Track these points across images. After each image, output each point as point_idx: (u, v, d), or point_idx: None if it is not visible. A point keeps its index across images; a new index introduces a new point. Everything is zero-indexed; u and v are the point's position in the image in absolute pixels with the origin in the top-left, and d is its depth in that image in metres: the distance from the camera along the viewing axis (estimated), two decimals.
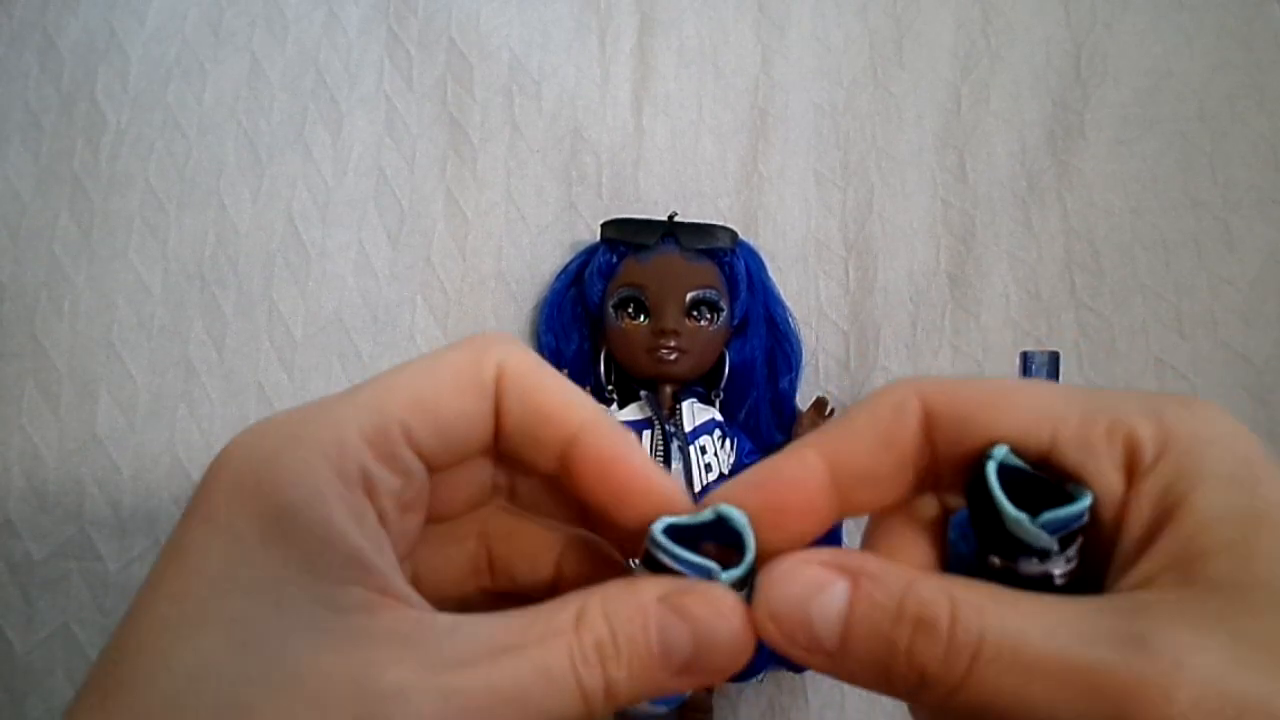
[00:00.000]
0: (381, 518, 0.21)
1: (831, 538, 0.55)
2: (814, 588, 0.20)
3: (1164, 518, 0.19)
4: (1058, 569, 0.20)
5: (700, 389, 0.58)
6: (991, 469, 0.20)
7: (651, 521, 0.21)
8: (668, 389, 0.57)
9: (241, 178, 0.65)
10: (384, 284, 0.63)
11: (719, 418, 0.57)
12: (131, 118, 0.66)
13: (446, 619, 0.20)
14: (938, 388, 0.21)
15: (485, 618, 0.20)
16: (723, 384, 0.58)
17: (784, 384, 0.60)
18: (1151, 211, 0.63)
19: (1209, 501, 0.18)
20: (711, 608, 0.20)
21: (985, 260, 0.63)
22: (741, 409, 0.59)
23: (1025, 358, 0.46)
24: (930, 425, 0.21)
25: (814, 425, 0.54)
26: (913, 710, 0.24)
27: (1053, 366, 0.46)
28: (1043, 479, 0.20)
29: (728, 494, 0.22)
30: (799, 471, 0.22)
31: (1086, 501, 0.19)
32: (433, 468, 0.22)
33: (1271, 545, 0.18)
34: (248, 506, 0.20)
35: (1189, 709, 0.16)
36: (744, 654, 0.20)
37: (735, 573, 0.21)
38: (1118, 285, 0.62)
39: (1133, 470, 0.19)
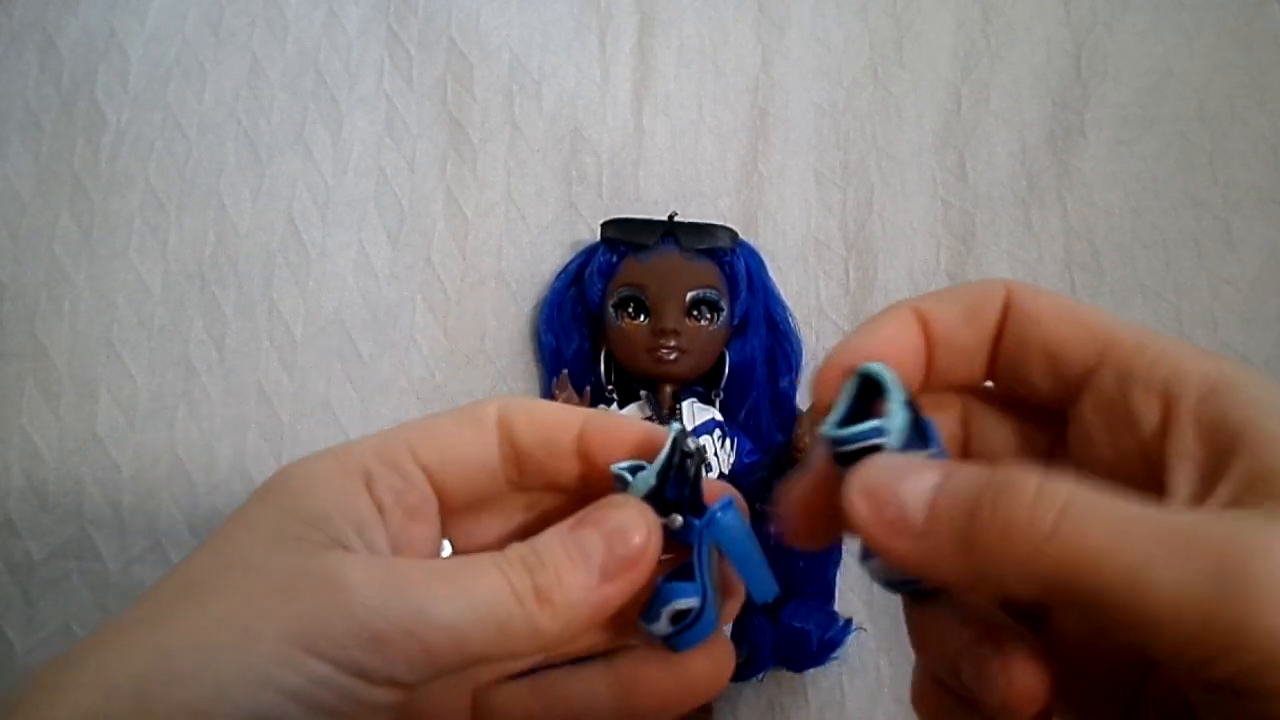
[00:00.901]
0: (379, 507, 0.23)
1: (832, 556, 0.55)
2: (907, 470, 0.20)
3: (1225, 449, 0.19)
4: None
5: (700, 389, 0.58)
6: (852, 381, 0.22)
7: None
8: (668, 389, 0.57)
9: (241, 178, 0.65)
10: (384, 284, 0.63)
11: (719, 417, 0.57)
12: (131, 117, 0.66)
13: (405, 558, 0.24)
14: (1025, 290, 0.23)
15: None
16: (723, 384, 0.58)
17: (784, 384, 0.60)
18: (1151, 211, 0.63)
19: (1268, 430, 0.19)
20: (609, 508, 0.23)
21: (985, 260, 0.63)
22: (742, 409, 0.59)
23: None
24: (1007, 314, 0.23)
25: (814, 425, 0.54)
26: (918, 680, 0.25)
27: None
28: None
29: (838, 354, 0.23)
30: (899, 330, 0.23)
31: (861, 429, 0.21)
32: (447, 488, 0.25)
33: None
34: (265, 502, 0.23)
35: None
36: (649, 536, 0.23)
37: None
38: (1118, 285, 0.62)
39: (1170, 403, 0.20)
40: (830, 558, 0.55)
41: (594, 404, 0.56)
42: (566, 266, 0.62)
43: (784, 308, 0.61)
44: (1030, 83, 0.67)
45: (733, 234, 0.60)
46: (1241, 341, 0.60)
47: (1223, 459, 0.19)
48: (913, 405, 0.22)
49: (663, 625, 0.24)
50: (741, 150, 0.66)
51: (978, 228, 0.64)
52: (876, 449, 0.21)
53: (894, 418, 0.21)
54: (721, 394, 0.58)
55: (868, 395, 0.22)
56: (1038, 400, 0.24)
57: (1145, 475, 0.21)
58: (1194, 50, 0.67)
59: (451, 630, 0.21)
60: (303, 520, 0.22)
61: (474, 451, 0.25)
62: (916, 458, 0.21)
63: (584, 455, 0.26)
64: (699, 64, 0.68)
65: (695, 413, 0.57)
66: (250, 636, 0.20)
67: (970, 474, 0.20)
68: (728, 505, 0.25)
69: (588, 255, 0.61)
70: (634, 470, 0.24)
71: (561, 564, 0.22)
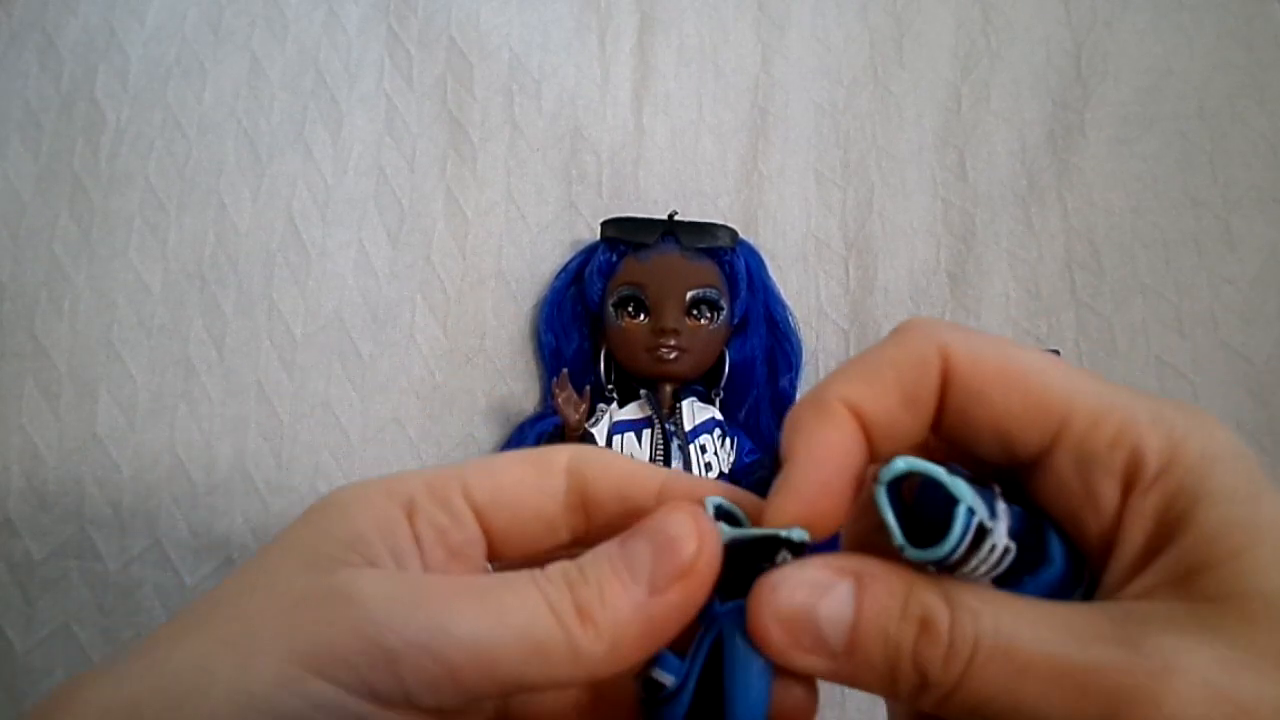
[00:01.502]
0: (418, 540, 0.22)
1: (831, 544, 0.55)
2: (820, 589, 0.20)
3: (1167, 533, 0.19)
4: (980, 572, 0.19)
5: (700, 388, 0.58)
6: (881, 494, 0.20)
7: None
8: (668, 388, 0.57)
9: (241, 177, 0.65)
10: (384, 283, 0.63)
11: (719, 417, 0.57)
12: (131, 117, 0.66)
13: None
14: (961, 348, 0.21)
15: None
16: (723, 383, 0.58)
17: (784, 383, 0.60)
18: (1151, 211, 0.63)
19: (1211, 517, 0.18)
20: (661, 513, 0.21)
21: (985, 259, 0.63)
22: (741, 408, 0.59)
23: None
24: (946, 387, 0.21)
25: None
26: (891, 710, 0.24)
27: None
28: (939, 484, 0.20)
29: (791, 489, 0.21)
30: (839, 436, 0.21)
31: (951, 541, 0.19)
32: (498, 532, 0.23)
33: (1270, 558, 0.18)
34: (306, 524, 0.22)
35: (1178, 709, 0.16)
36: (703, 542, 0.20)
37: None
38: (1118, 285, 0.62)
39: (1132, 482, 0.19)
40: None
41: (594, 403, 0.56)
42: (566, 266, 0.62)
43: (784, 307, 0.61)
44: (1030, 82, 0.67)
45: (733, 233, 0.60)
46: (1241, 341, 0.60)
47: (1163, 541, 0.19)
48: (976, 482, 0.20)
49: (639, 687, 0.22)
50: (741, 150, 0.66)
51: (978, 227, 0.64)
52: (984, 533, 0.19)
53: (999, 519, 0.19)
54: (721, 393, 0.58)
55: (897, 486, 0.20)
56: (982, 467, 0.22)
57: (1101, 554, 0.20)
58: (1194, 50, 0.67)
59: (477, 649, 0.19)
60: (338, 541, 0.21)
61: (534, 497, 0.23)
62: (828, 567, 0.20)
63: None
64: (699, 64, 0.68)
65: (695, 412, 0.57)
66: (252, 657, 0.19)
67: (889, 600, 0.19)
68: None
69: (588, 254, 0.61)
70: (727, 516, 0.22)
71: (606, 578, 0.20)
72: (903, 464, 0.20)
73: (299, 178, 0.65)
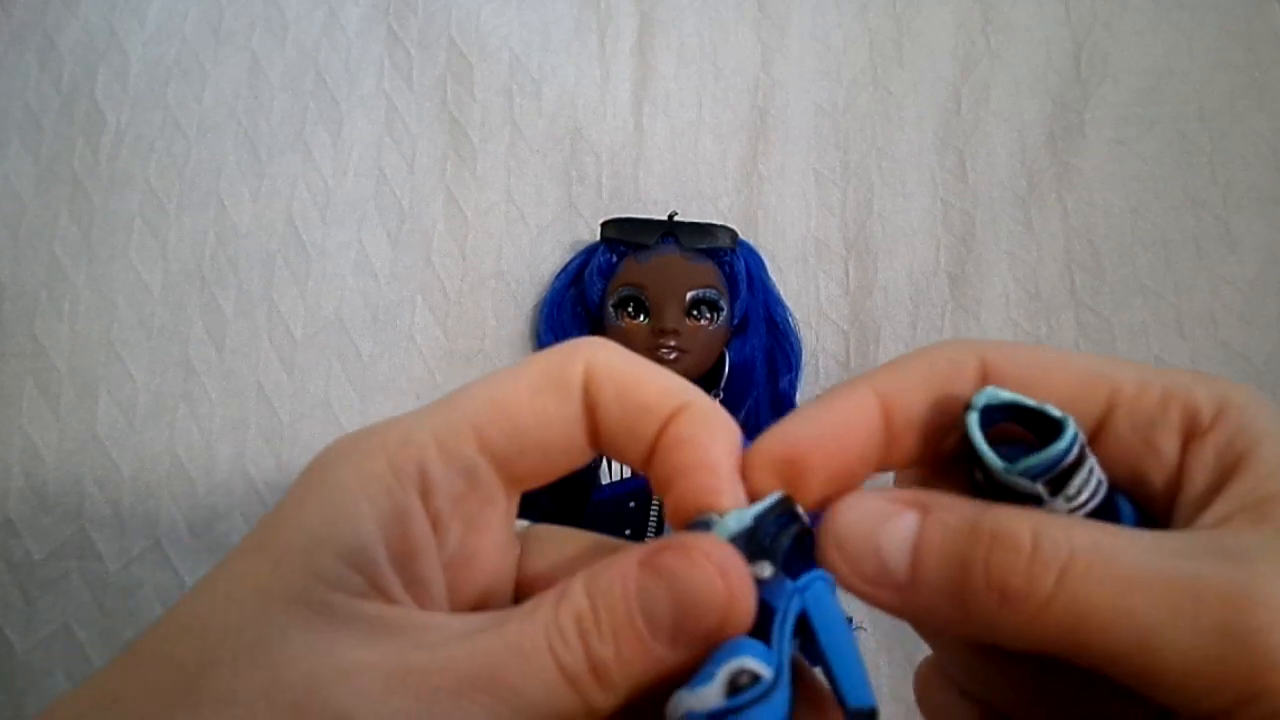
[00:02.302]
0: (435, 518, 0.20)
1: None
2: (882, 515, 0.19)
3: (1229, 470, 0.19)
4: (1062, 511, 0.19)
5: (700, 388, 0.58)
6: (974, 419, 0.19)
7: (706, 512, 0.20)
8: None
9: (241, 178, 0.65)
10: (384, 284, 0.63)
11: None
12: (131, 118, 0.66)
13: (439, 615, 0.19)
14: (998, 352, 0.21)
15: (480, 614, 0.19)
16: (723, 384, 0.58)
17: (784, 384, 0.60)
18: (1151, 211, 0.63)
19: (1267, 456, 0.18)
20: (685, 557, 0.18)
21: (985, 260, 0.63)
22: (741, 409, 0.59)
23: None
24: (987, 383, 0.21)
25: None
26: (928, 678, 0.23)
27: None
28: (1037, 411, 0.20)
29: (786, 428, 0.20)
30: (854, 415, 0.20)
31: (1065, 441, 0.19)
32: (517, 475, 0.21)
33: None
34: (290, 524, 0.19)
35: None
36: (733, 604, 0.18)
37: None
38: (1118, 285, 0.62)
39: (1190, 434, 0.20)
40: None
41: None
42: (566, 266, 0.62)
43: (784, 307, 0.61)
44: (1030, 83, 0.67)
45: (733, 234, 0.60)
46: (1241, 341, 0.60)
47: (1226, 477, 0.19)
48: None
49: (713, 692, 0.18)
50: (741, 150, 0.66)
51: (978, 228, 0.64)
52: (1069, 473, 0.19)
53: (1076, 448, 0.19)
54: (721, 394, 0.58)
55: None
56: None
57: (1168, 503, 0.20)
58: (1194, 50, 0.67)
59: None
60: (332, 555, 0.18)
61: (556, 433, 0.20)
62: (894, 495, 0.19)
63: (658, 449, 0.21)
64: (699, 64, 0.68)
65: None
66: None
67: (956, 519, 0.18)
68: (828, 578, 0.20)
69: (588, 255, 0.61)
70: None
71: (622, 631, 0.18)
72: (995, 393, 0.19)
73: (299, 178, 0.65)
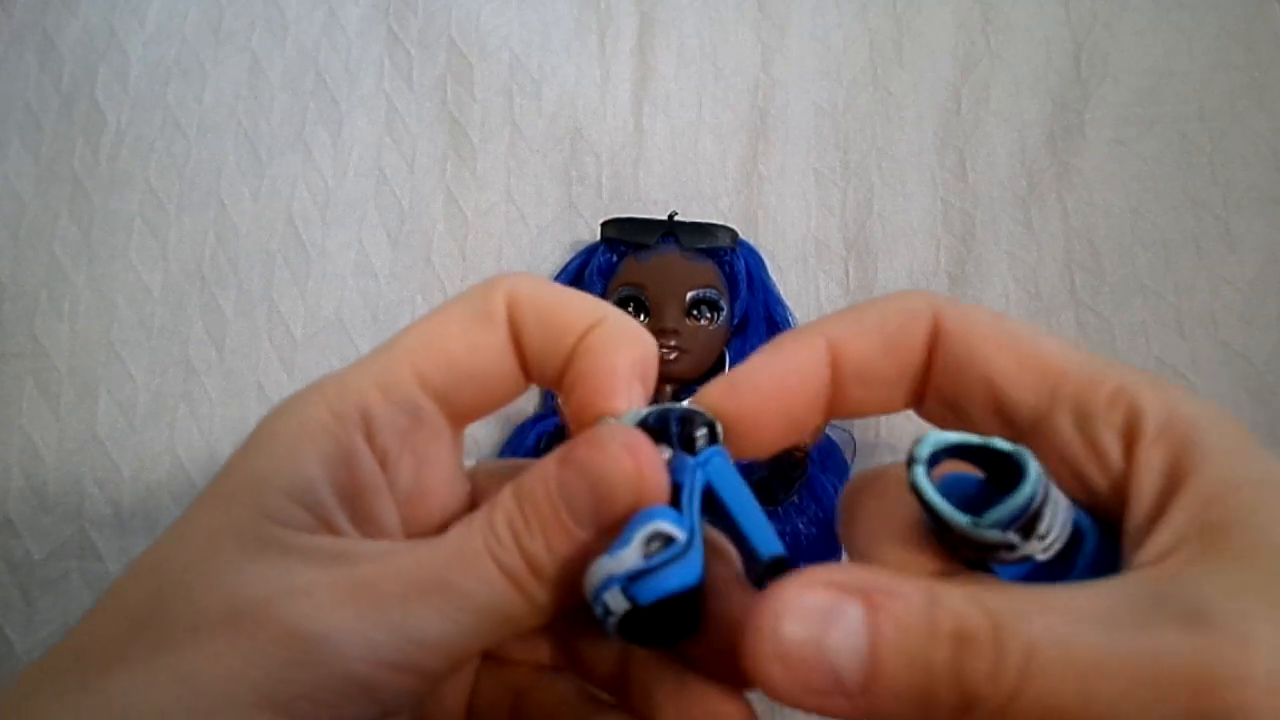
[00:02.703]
0: (383, 456, 0.21)
1: (831, 556, 0.55)
2: (824, 617, 0.17)
3: (1173, 487, 0.18)
4: (1036, 552, 0.19)
5: (700, 389, 0.58)
6: (919, 474, 0.19)
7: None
8: (668, 388, 0.57)
9: (241, 178, 0.65)
10: (384, 284, 0.63)
11: None
12: (131, 118, 0.66)
13: (385, 542, 0.20)
14: (954, 310, 0.20)
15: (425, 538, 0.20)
16: None
17: None
18: (1151, 211, 0.63)
19: (1220, 472, 0.18)
20: (594, 444, 0.19)
21: (985, 260, 0.63)
22: None
23: None
24: (936, 344, 0.20)
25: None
26: None
27: None
28: (988, 449, 0.19)
29: (735, 375, 0.21)
30: (802, 360, 0.20)
31: (1030, 485, 0.18)
32: (459, 409, 0.22)
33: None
34: (241, 470, 0.20)
35: (1267, 684, 0.15)
36: (644, 478, 0.19)
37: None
38: (1118, 285, 0.62)
39: (1133, 438, 0.19)
40: (830, 557, 0.55)
41: None
42: (566, 266, 0.62)
43: (784, 307, 0.61)
44: (1030, 83, 0.67)
45: (733, 234, 0.60)
46: (1241, 341, 0.60)
47: (1169, 497, 0.18)
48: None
49: (631, 554, 0.19)
50: (741, 150, 0.66)
51: (978, 228, 0.64)
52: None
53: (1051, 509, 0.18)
54: None
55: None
56: (975, 431, 0.21)
57: (1114, 507, 0.19)
58: (1194, 50, 0.67)
59: (449, 648, 0.19)
60: (279, 493, 0.19)
61: (490, 361, 0.21)
62: (835, 584, 0.17)
63: (570, 366, 0.21)
64: (699, 64, 0.68)
65: None
66: (217, 705, 0.17)
67: (911, 616, 0.17)
68: (723, 451, 0.21)
69: (588, 255, 0.61)
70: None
71: (549, 525, 0.19)
72: (937, 439, 0.19)
73: (299, 178, 0.65)
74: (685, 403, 0.21)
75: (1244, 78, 0.66)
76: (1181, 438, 0.18)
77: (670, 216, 0.60)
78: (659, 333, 0.56)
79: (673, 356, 0.56)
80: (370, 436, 0.20)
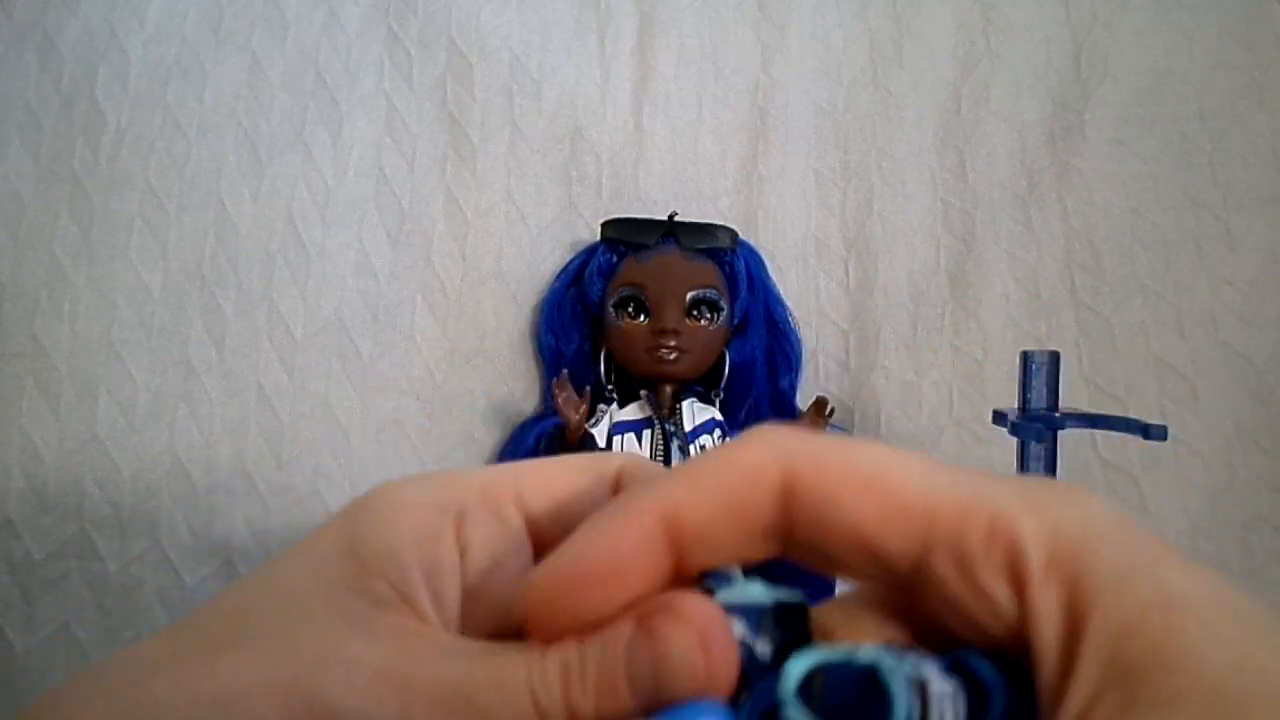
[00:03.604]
0: (463, 548, 0.21)
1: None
2: None
3: (1076, 630, 0.17)
4: None
5: (700, 388, 0.58)
6: (793, 710, 0.18)
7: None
8: (668, 388, 0.57)
9: (241, 178, 0.65)
10: (384, 284, 0.63)
11: (719, 417, 0.57)
12: (131, 118, 0.66)
13: (446, 635, 0.20)
14: (805, 456, 0.19)
15: (484, 643, 0.20)
16: (723, 383, 0.58)
17: (784, 383, 0.60)
18: (1151, 211, 0.63)
19: (1122, 600, 0.16)
20: (674, 620, 0.18)
21: (985, 260, 0.63)
22: (742, 408, 0.59)
23: (1025, 358, 0.46)
24: (789, 498, 0.19)
25: (814, 425, 0.54)
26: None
27: (1053, 366, 0.46)
28: (852, 665, 0.18)
29: (556, 561, 0.20)
30: (632, 538, 0.19)
31: (900, 711, 0.17)
32: (548, 541, 0.22)
33: (1201, 641, 0.16)
34: (339, 527, 0.21)
35: None
36: (711, 677, 0.18)
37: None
38: (1118, 285, 0.62)
39: (1020, 579, 0.17)
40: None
41: (594, 404, 0.56)
42: (566, 266, 0.62)
43: (784, 307, 0.61)
44: (1030, 83, 0.67)
45: (733, 234, 0.60)
46: (1242, 341, 0.60)
47: (1073, 646, 0.17)
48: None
49: None
50: (741, 150, 0.66)
51: (978, 228, 0.64)
52: None
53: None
54: (721, 393, 0.58)
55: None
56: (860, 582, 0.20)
57: (1013, 645, 0.18)
58: (1194, 50, 0.67)
59: None
60: (367, 558, 0.20)
61: (586, 508, 0.21)
62: None
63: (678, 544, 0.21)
64: (699, 64, 0.68)
65: (695, 412, 0.57)
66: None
67: None
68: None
69: (588, 255, 0.61)
70: (727, 581, 0.20)
71: (605, 689, 0.18)
72: (793, 666, 0.18)
73: (299, 178, 0.65)
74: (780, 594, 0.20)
75: (1244, 78, 0.66)
76: (1071, 569, 0.17)
77: (670, 217, 0.60)
78: (659, 332, 0.56)
79: (673, 357, 0.55)
80: (459, 527, 0.21)
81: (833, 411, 0.60)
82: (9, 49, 0.68)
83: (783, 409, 0.59)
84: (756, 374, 0.59)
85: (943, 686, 0.18)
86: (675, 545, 0.19)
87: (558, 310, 0.61)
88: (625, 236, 0.59)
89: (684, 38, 0.69)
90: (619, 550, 0.19)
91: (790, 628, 0.19)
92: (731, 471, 0.19)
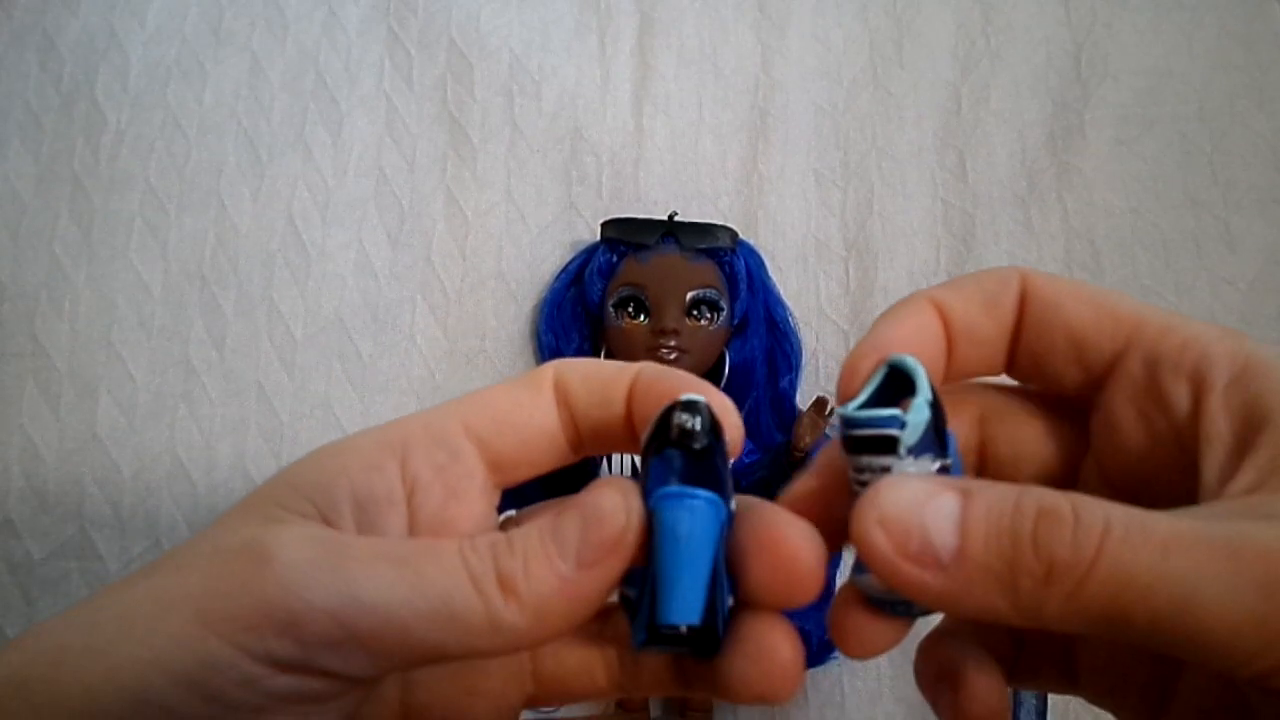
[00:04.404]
0: (413, 483, 0.22)
1: (832, 556, 0.55)
2: (926, 495, 0.19)
3: (1254, 430, 0.19)
4: (907, 467, 0.20)
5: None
6: (838, 421, 0.21)
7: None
8: None
9: (241, 178, 0.65)
10: (384, 284, 0.63)
11: None
12: (131, 118, 0.66)
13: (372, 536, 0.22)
14: (1038, 275, 0.23)
15: None
16: (723, 384, 0.58)
17: (784, 384, 0.60)
18: (1151, 211, 0.63)
19: None
20: (595, 487, 0.21)
21: (985, 260, 0.63)
22: (741, 409, 0.59)
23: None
24: (1024, 303, 0.22)
25: (814, 425, 0.54)
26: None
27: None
28: (889, 373, 0.21)
29: (866, 346, 0.22)
30: (921, 322, 0.22)
31: (898, 411, 0.20)
32: (501, 459, 0.23)
33: None
34: (282, 472, 0.22)
35: None
36: (634, 524, 0.20)
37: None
38: (1118, 285, 0.62)
39: (1202, 385, 0.20)
40: (830, 558, 0.55)
41: None
42: (566, 266, 0.62)
43: (784, 308, 0.61)
44: (1030, 83, 0.67)
45: (733, 234, 0.60)
46: None
47: (1250, 439, 0.19)
48: (937, 408, 0.20)
49: (622, 607, 0.22)
50: (741, 150, 0.66)
51: (978, 228, 0.64)
52: (891, 441, 0.20)
53: (917, 413, 0.20)
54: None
55: (893, 390, 0.21)
56: (1059, 390, 0.23)
57: (1178, 458, 0.20)
58: (1194, 50, 0.67)
59: (387, 616, 0.19)
60: (295, 491, 0.21)
61: (531, 417, 0.23)
62: (935, 478, 0.20)
63: (632, 413, 0.23)
64: (699, 64, 0.68)
65: None
66: (165, 613, 0.19)
67: (999, 500, 0.18)
68: (677, 494, 0.20)
69: (588, 255, 0.61)
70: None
71: (533, 550, 0.20)
72: (909, 360, 0.21)
73: (299, 178, 0.65)
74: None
75: (1244, 78, 0.66)
76: (1259, 383, 0.19)
77: (670, 216, 0.60)
78: (659, 333, 0.56)
79: (673, 357, 0.56)
80: (404, 462, 0.22)
81: (833, 411, 0.60)
82: (9, 49, 0.68)
83: (783, 409, 0.59)
84: (756, 374, 0.59)
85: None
86: (949, 335, 0.23)
87: (558, 310, 0.61)
88: (625, 236, 0.59)
89: (684, 38, 0.69)
90: (916, 322, 0.22)
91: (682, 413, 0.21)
92: (986, 277, 0.23)
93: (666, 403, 0.21)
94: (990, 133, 0.66)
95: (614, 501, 0.20)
